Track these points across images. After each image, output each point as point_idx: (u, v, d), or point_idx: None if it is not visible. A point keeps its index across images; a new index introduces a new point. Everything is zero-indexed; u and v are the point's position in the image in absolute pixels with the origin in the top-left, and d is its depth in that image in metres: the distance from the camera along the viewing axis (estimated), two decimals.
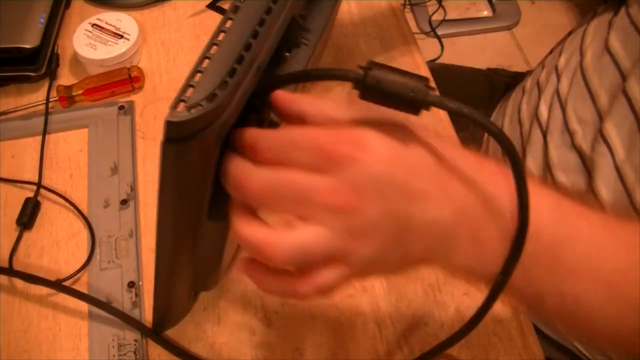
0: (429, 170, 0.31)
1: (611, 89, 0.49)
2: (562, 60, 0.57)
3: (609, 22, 0.53)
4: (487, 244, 0.31)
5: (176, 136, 0.27)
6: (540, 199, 0.32)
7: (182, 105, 0.26)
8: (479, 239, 0.31)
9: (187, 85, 0.27)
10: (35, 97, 0.61)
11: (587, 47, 0.54)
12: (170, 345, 0.46)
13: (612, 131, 0.48)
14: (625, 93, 0.47)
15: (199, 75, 0.27)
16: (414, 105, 0.30)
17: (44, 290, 0.49)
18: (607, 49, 0.50)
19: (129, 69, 0.61)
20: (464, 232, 0.31)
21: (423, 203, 0.30)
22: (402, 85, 0.29)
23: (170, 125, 0.26)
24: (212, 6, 0.67)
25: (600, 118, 0.49)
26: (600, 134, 0.48)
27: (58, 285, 0.48)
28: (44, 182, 0.55)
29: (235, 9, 0.29)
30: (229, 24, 0.29)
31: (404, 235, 0.31)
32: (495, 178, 0.32)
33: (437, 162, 0.31)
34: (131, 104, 0.60)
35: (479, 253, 0.32)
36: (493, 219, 0.31)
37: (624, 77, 0.48)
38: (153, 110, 0.60)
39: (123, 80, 0.60)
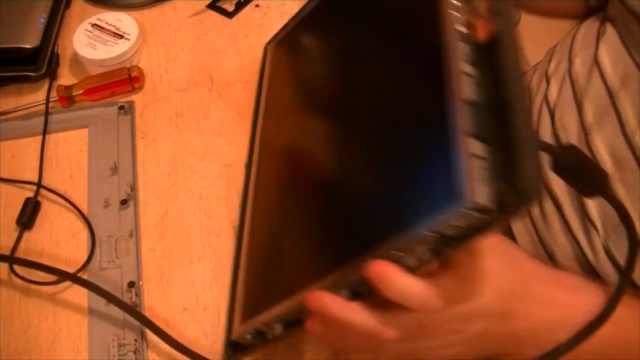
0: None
1: (597, 101, 0.49)
2: (551, 66, 0.57)
3: (597, 30, 0.52)
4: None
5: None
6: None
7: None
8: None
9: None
10: (35, 97, 0.61)
11: (575, 54, 0.54)
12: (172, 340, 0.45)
13: (600, 146, 0.47)
14: (615, 108, 0.47)
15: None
16: (594, 192, 0.34)
17: (43, 290, 0.49)
18: (596, 62, 0.50)
19: (129, 69, 0.61)
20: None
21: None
22: (592, 173, 0.33)
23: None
24: (212, 6, 0.67)
25: (585, 130, 0.49)
26: (588, 148, 0.48)
27: (72, 276, 0.48)
28: (44, 182, 0.55)
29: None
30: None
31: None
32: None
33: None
34: (131, 104, 0.60)
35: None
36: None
37: (610, 94, 0.48)
38: (153, 110, 0.60)
39: (123, 80, 0.60)
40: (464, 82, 0.31)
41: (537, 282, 0.38)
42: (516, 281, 0.36)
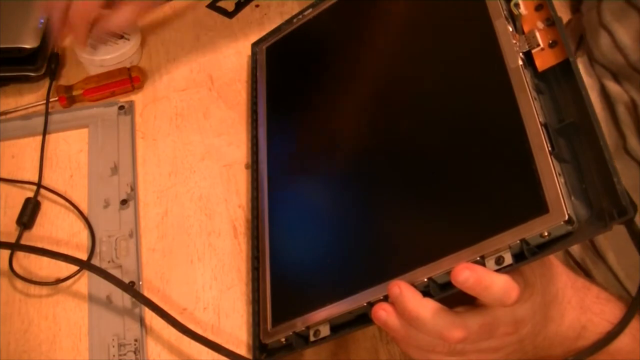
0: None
1: None
2: None
3: (579, 38, 0.52)
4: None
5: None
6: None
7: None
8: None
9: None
10: (35, 97, 0.61)
11: None
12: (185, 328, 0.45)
13: None
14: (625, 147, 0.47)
15: None
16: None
17: (44, 290, 0.49)
18: None
19: (129, 69, 0.61)
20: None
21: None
22: None
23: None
24: (212, 6, 0.67)
25: None
26: None
27: (85, 264, 0.48)
28: (44, 182, 0.55)
29: None
30: None
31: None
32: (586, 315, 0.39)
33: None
34: (131, 103, 0.60)
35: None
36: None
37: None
38: (153, 110, 0.60)
39: (123, 80, 0.60)
40: (538, 107, 0.35)
41: (573, 288, 0.39)
42: (557, 287, 0.38)
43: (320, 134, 0.50)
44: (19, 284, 0.50)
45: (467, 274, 0.32)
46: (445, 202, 0.38)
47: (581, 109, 0.33)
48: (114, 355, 0.46)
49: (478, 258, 0.34)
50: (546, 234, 0.32)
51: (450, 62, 0.42)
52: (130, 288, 0.47)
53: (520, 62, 0.37)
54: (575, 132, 0.34)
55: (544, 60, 0.37)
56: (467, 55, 0.41)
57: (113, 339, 0.47)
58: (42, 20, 0.61)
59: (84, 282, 0.50)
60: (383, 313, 0.36)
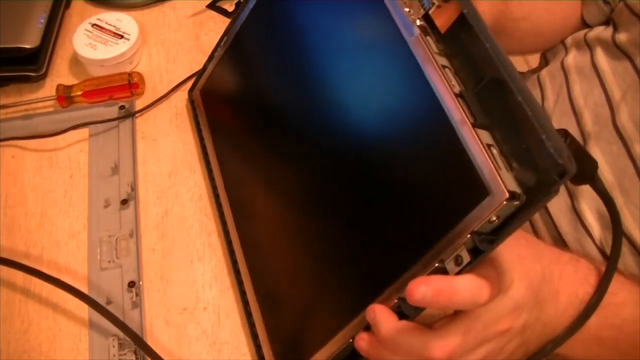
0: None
1: (596, 110, 0.49)
2: (544, 72, 0.57)
3: (584, 36, 0.53)
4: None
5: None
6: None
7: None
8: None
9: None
10: (36, 97, 0.61)
11: (570, 63, 0.53)
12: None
13: (598, 153, 0.47)
14: (614, 117, 0.46)
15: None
16: (583, 180, 0.34)
17: (44, 290, 0.49)
18: (595, 68, 0.50)
19: (129, 74, 0.60)
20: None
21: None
22: (583, 160, 0.32)
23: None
24: (212, 6, 0.66)
25: (583, 137, 0.49)
26: None
27: (84, 296, 0.48)
28: (44, 182, 0.55)
29: None
30: None
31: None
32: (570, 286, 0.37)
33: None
34: (132, 103, 0.60)
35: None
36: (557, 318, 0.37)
37: (610, 103, 0.47)
38: (153, 110, 0.60)
39: (122, 85, 0.60)
40: (449, 75, 0.31)
41: (559, 263, 0.37)
42: (542, 265, 0.36)
43: (265, 160, 0.49)
44: (20, 284, 0.49)
45: (423, 289, 0.29)
46: (391, 216, 0.35)
47: (498, 65, 0.29)
48: (114, 355, 0.46)
49: (437, 264, 0.31)
50: (494, 218, 0.28)
51: (355, 54, 0.38)
52: (127, 327, 0.45)
53: (418, 31, 0.33)
54: (499, 87, 0.29)
55: (445, 18, 0.33)
56: (369, 43, 0.37)
57: (113, 339, 0.47)
58: (42, 20, 0.61)
59: (84, 282, 0.50)
60: (363, 343, 0.34)
